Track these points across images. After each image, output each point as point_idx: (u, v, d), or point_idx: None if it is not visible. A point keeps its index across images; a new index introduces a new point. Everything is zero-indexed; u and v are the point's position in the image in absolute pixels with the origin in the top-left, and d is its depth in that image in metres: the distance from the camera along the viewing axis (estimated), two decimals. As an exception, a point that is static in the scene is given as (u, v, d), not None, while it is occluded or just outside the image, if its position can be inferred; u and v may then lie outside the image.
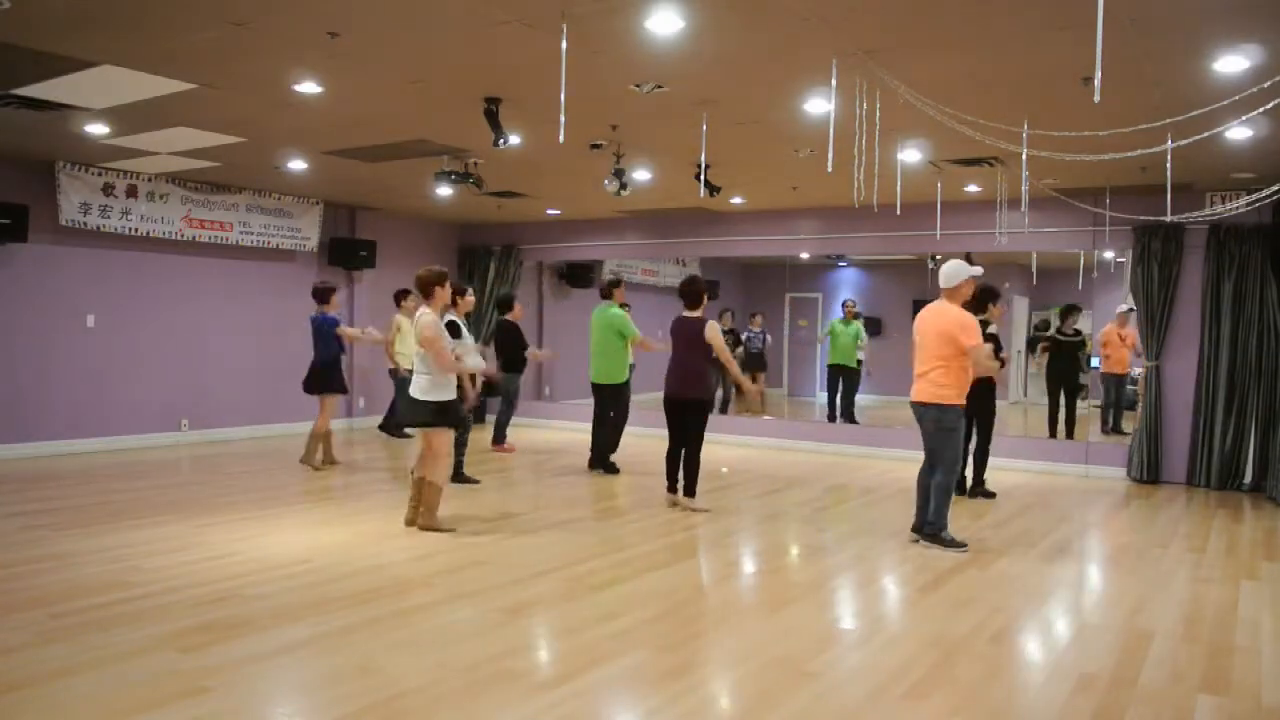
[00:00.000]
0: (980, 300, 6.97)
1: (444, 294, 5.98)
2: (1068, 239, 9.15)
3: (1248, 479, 8.20)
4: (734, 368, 6.97)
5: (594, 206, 10.87)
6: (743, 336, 13.13)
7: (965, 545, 5.70)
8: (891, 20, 4.38)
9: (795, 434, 10.73)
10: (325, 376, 8.24)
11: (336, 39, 4.81)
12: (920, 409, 5.68)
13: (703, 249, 11.61)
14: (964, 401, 5.64)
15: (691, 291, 6.75)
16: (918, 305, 14.59)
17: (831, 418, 11.47)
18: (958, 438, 5.70)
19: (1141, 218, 8.25)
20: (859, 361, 11.91)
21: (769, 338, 13.51)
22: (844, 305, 11.96)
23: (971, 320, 5.61)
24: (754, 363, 13.27)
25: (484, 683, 3.48)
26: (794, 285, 14.92)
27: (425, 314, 5.86)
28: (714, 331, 6.60)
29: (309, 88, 5.77)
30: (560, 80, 4.95)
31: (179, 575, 4.80)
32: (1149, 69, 4.89)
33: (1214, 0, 4.02)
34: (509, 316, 9.31)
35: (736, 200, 10.11)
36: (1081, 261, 10.44)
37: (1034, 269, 11.36)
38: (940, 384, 5.56)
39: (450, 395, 5.92)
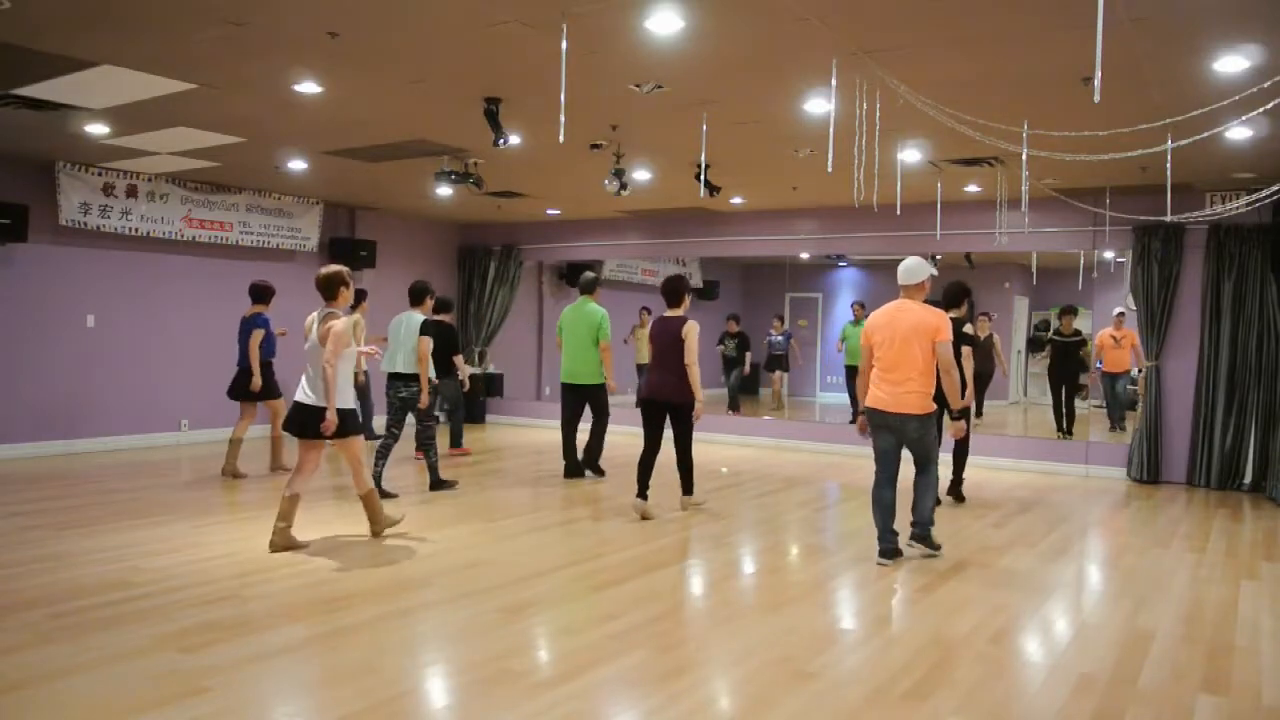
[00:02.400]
0: (956, 297, 6.83)
1: (348, 294, 5.48)
2: (1068, 239, 9.14)
3: (1248, 479, 8.20)
4: (696, 375, 6.32)
5: (594, 206, 10.87)
6: (766, 339, 13.28)
7: (940, 547, 5.53)
8: (891, 20, 4.38)
9: (795, 434, 10.72)
10: (264, 382, 7.76)
11: (336, 39, 4.81)
12: (901, 420, 5.18)
13: (703, 249, 11.61)
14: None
15: (673, 290, 6.53)
16: (917, 305, 14.43)
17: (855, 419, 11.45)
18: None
19: (1141, 218, 8.25)
20: None
21: (793, 339, 13.57)
22: (853, 307, 12.03)
23: (945, 317, 5.24)
24: (775, 364, 13.34)
25: (484, 683, 3.48)
26: (794, 285, 14.93)
27: (341, 316, 5.36)
28: (691, 331, 6.29)
29: (309, 88, 5.77)
30: (560, 80, 4.95)
31: (179, 575, 4.80)
32: (1149, 69, 4.89)
33: (1214, 0, 4.02)
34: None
35: (736, 200, 10.11)
36: (1081, 261, 10.46)
37: (1034, 269, 11.37)
38: (927, 393, 5.17)
39: (352, 404, 5.48)
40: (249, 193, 10.04)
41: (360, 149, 7.65)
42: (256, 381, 7.71)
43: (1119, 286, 10.51)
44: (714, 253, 11.59)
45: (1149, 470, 8.55)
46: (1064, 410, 10.28)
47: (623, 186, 7.28)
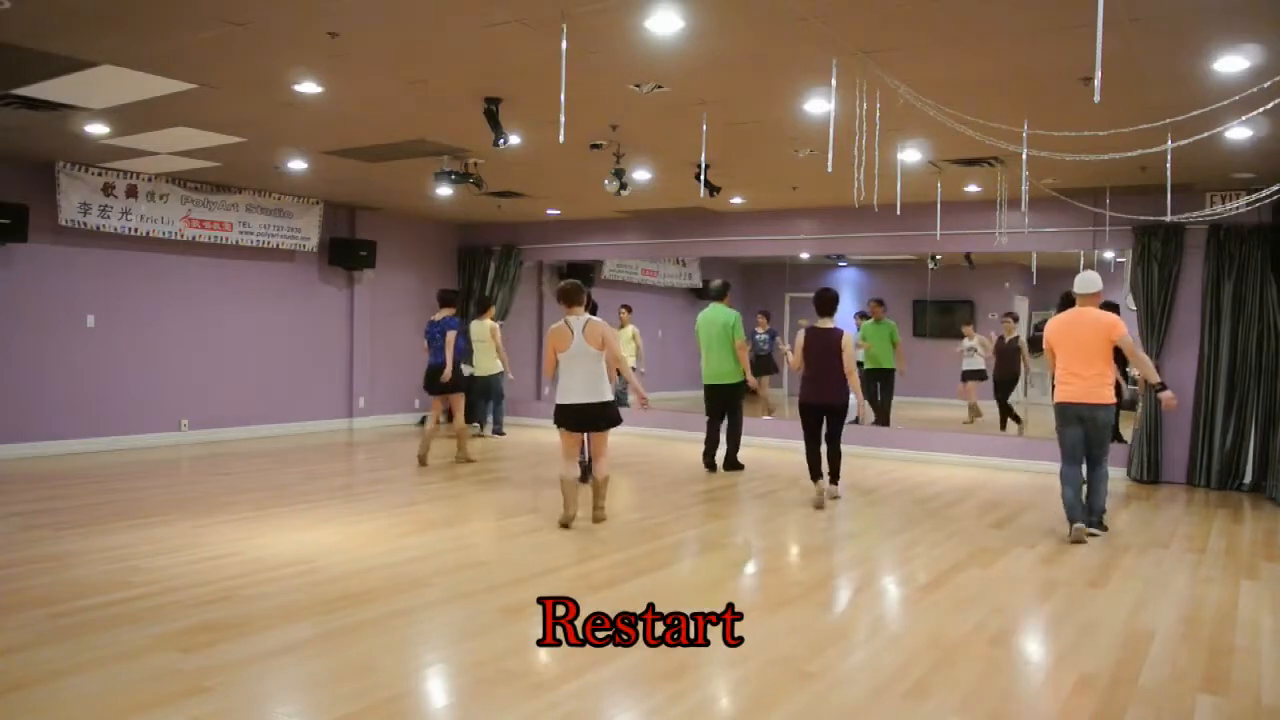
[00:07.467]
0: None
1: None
2: (1068, 239, 9.15)
3: (1248, 479, 8.20)
4: (856, 380, 7.20)
5: (594, 206, 10.87)
6: (751, 338, 12.87)
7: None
8: (891, 20, 4.38)
9: (796, 434, 10.68)
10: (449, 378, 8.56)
11: (336, 39, 4.81)
12: (1091, 409, 6.08)
13: (703, 249, 11.61)
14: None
15: (828, 301, 7.20)
16: (918, 305, 14.49)
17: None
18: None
19: (1141, 218, 8.25)
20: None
21: (778, 339, 13.21)
22: (874, 305, 11.12)
23: (1117, 318, 6.09)
24: (762, 366, 12.89)
25: (484, 683, 3.48)
26: (794, 285, 14.92)
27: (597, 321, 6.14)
28: (848, 341, 7.04)
29: (309, 88, 5.77)
30: (560, 80, 4.95)
31: (179, 575, 4.80)
32: (1149, 69, 4.89)
33: (1214, 0, 4.02)
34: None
35: (736, 200, 10.11)
36: (1081, 261, 10.43)
37: (1034, 269, 11.36)
38: (1109, 384, 6.09)
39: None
40: (249, 193, 10.04)
41: (360, 149, 7.65)
42: (448, 373, 8.48)
43: (1119, 286, 10.49)
44: (714, 253, 11.58)
45: (1149, 470, 8.55)
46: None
47: (623, 186, 7.28)
